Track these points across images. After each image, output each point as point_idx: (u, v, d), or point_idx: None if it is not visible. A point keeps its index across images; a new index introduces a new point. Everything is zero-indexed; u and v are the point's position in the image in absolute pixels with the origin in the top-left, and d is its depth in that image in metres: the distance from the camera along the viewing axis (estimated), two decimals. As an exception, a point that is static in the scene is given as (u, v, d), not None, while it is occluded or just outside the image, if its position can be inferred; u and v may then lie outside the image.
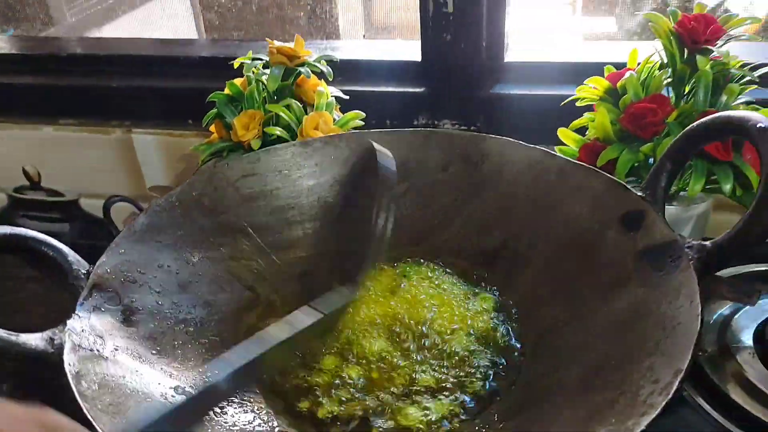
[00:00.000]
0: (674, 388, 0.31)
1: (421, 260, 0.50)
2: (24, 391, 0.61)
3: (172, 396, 0.38)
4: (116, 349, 0.38)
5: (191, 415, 0.33)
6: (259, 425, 0.39)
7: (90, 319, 0.39)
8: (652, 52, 0.54)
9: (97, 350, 0.37)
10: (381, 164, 0.42)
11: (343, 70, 0.70)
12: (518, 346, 0.43)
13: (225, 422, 0.38)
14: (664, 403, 0.30)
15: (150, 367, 0.39)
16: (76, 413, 0.32)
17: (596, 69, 0.57)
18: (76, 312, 0.39)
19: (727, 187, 0.48)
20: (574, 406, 0.35)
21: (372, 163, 0.42)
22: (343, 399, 0.40)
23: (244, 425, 0.38)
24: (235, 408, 0.39)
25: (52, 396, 0.61)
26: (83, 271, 0.41)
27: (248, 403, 0.40)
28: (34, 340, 0.36)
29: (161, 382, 0.38)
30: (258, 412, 0.40)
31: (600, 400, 0.34)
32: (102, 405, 0.34)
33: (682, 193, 0.54)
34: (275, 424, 0.39)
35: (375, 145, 0.44)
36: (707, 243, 0.37)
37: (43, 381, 0.62)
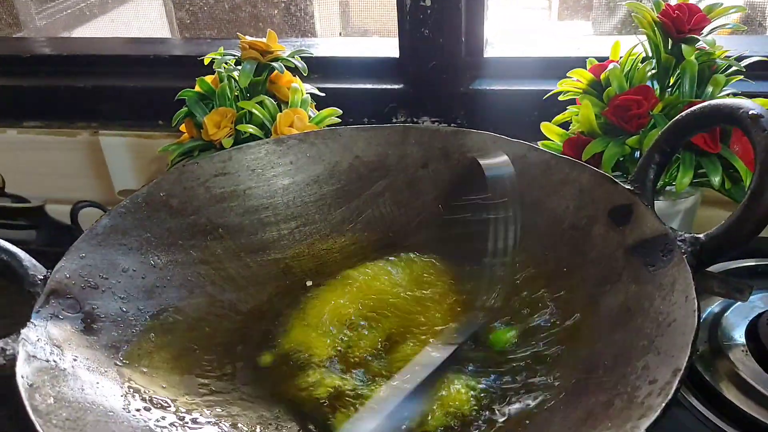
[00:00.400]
0: (674, 388, 0.29)
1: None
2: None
3: (136, 409, 0.35)
4: (75, 360, 0.36)
5: None
6: None
7: (47, 327, 0.36)
8: (635, 43, 0.53)
9: (54, 361, 0.35)
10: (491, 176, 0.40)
11: (319, 68, 0.68)
12: (504, 349, 0.41)
13: None
14: (663, 404, 0.28)
15: (112, 379, 0.36)
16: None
17: (577, 63, 0.56)
18: (32, 320, 0.36)
19: (716, 179, 0.47)
20: (566, 410, 0.33)
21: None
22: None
23: None
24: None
25: (14, 411, 0.58)
26: (40, 277, 0.38)
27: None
28: (-16, 350, 0.33)
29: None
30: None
31: (594, 402, 0.32)
32: (58, 420, 0.31)
33: (668, 187, 0.53)
34: None
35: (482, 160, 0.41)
36: (701, 236, 0.36)
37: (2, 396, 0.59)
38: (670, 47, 0.50)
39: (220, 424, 0.37)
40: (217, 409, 0.38)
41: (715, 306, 0.50)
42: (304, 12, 0.82)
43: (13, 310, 0.72)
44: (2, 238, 0.39)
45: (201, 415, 0.37)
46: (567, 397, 0.34)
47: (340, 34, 0.92)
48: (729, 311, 0.50)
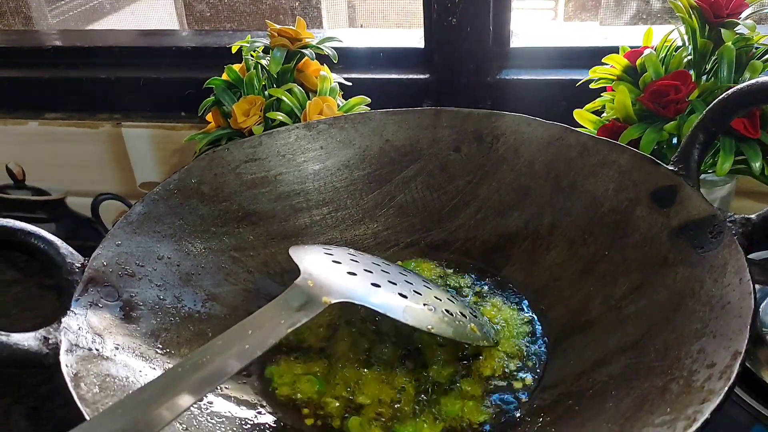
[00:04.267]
0: (735, 371, 0.28)
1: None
2: (9, 399, 0.58)
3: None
4: (117, 348, 0.35)
5: None
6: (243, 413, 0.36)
7: (87, 315, 0.35)
8: (669, 30, 0.52)
9: (96, 349, 0.34)
10: None
11: (344, 58, 0.67)
12: (545, 337, 0.41)
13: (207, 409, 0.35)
14: (726, 388, 0.28)
15: (154, 367, 0.36)
16: (68, 420, 0.29)
17: (605, 53, 0.55)
18: (72, 309, 0.35)
19: (757, 164, 0.46)
20: (618, 397, 0.33)
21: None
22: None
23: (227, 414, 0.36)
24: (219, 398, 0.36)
25: (41, 402, 0.57)
26: (77, 265, 0.38)
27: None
28: (27, 340, 0.32)
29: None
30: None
31: (647, 387, 0.32)
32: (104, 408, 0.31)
33: (704, 175, 0.52)
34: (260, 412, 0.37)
35: None
36: (752, 216, 0.35)
37: (30, 386, 0.58)
38: (707, 32, 0.50)
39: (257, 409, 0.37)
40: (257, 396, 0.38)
41: (753, 294, 0.50)
42: (314, 6, 0.82)
43: (35, 303, 0.72)
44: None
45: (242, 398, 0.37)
46: (617, 381, 0.34)
47: (361, 26, 0.92)
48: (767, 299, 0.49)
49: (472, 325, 0.37)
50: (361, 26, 0.92)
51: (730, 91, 0.38)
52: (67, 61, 0.76)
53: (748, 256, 0.37)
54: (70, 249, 0.38)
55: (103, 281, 0.38)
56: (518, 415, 0.36)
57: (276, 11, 0.84)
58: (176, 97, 0.71)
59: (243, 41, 0.56)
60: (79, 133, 0.74)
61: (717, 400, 0.27)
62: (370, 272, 0.37)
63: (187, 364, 0.30)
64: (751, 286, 0.32)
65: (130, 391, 0.31)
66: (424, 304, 0.36)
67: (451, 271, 0.46)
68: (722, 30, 0.48)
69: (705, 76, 0.51)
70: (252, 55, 0.55)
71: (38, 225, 0.84)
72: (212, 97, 0.56)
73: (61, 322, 0.34)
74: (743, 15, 0.49)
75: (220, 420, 0.35)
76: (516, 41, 0.68)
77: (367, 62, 0.69)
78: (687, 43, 0.51)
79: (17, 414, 0.57)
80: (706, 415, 0.27)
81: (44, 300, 0.71)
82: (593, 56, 0.56)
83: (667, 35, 0.52)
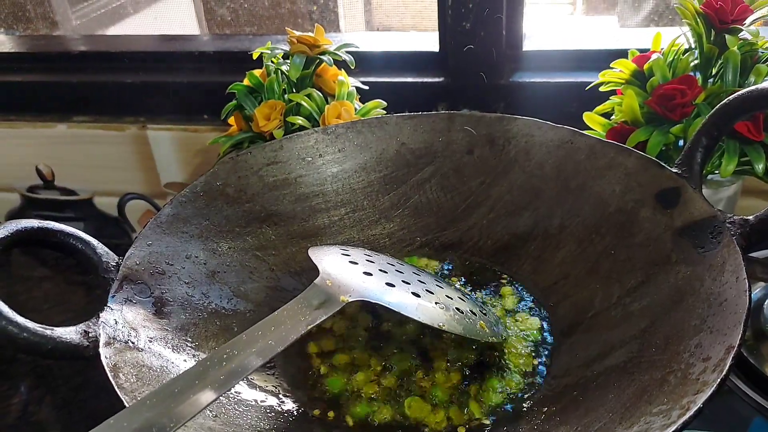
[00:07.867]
0: (728, 364, 0.30)
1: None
2: (42, 390, 0.61)
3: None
4: (150, 341, 0.38)
5: None
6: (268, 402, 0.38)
7: (122, 311, 0.38)
8: (677, 35, 0.54)
9: (132, 342, 0.37)
10: None
11: (361, 62, 0.69)
12: (552, 332, 0.43)
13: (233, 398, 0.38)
14: (719, 379, 0.29)
15: (185, 358, 0.38)
16: (98, 411, 0.31)
17: (615, 56, 0.56)
18: (109, 305, 0.38)
19: (760, 166, 0.48)
20: (620, 388, 0.35)
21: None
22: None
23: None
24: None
25: (72, 393, 0.60)
26: (113, 264, 0.40)
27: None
28: (69, 333, 0.35)
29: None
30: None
31: (647, 379, 0.34)
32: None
33: (710, 176, 0.53)
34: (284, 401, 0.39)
35: None
36: (750, 217, 0.37)
37: (61, 378, 0.61)
38: (712, 38, 0.51)
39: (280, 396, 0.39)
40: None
41: (757, 291, 0.51)
42: (332, 11, 0.84)
43: (65, 299, 0.75)
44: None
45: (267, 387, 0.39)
46: (619, 374, 0.36)
47: (378, 29, 0.94)
48: (772, 296, 0.50)
49: (482, 322, 0.39)
50: (378, 29, 0.94)
51: (731, 97, 0.40)
52: (93, 65, 0.79)
53: (749, 255, 0.39)
54: (106, 249, 0.41)
55: (136, 279, 0.40)
56: (525, 405, 0.38)
57: (294, 15, 0.86)
58: (199, 100, 0.74)
59: (264, 48, 0.59)
60: (106, 136, 0.77)
61: (710, 391, 0.29)
62: (385, 272, 0.39)
63: (215, 357, 0.32)
64: (747, 284, 0.33)
65: (164, 382, 0.34)
66: (436, 303, 0.38)
67: (463, 269, 0.48)
68: (726, 36, 0.49)
69: (711, 79, 0.53)
70: (273, 62, 0.58)
71: (67, 224, 0.87)
72: (234, 102, 0.59)
73: (99, 317, 0.37)
74: (748, 21, 0.50)
75: (246, 408, 0.37)
76: (528, 44, 0.69)
77: (383, 66, 0.71)
78: (694, 47, 0.53)
79: (49, 405, 0.60)
80: (699, 404, 0.29)
81: (74, 296, 0.74)
82: (604, 59, 0.58)
83: (675, 40, 0.53)
